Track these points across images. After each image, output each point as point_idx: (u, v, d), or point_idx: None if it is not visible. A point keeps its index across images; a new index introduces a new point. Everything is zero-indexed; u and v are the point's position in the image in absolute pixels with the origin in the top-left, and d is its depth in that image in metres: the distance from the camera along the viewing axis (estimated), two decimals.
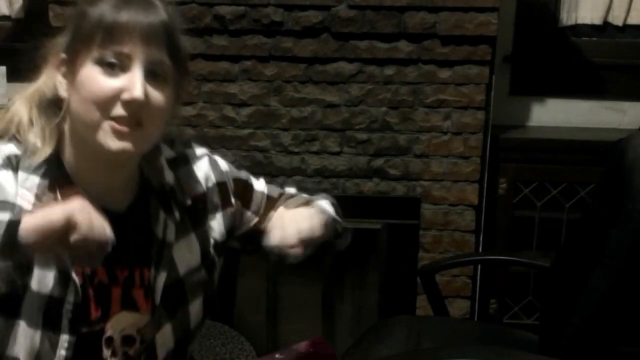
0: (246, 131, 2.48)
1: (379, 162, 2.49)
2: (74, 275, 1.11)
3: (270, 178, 2.50)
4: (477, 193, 2.51)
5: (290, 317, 2.71)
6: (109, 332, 1.16)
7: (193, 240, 1.26)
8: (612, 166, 1.63)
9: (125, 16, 1.07)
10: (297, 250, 1.15)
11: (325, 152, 2.50)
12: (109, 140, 1.08)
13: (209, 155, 1.32)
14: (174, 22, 1.14)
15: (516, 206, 2.64)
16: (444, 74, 2.42)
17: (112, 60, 1.07)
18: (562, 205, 2.62)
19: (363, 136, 2.48)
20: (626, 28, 2.72)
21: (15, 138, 1.14)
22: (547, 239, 2.64)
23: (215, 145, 2.38)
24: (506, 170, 2.61)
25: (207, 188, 1.29)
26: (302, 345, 1.42)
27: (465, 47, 2.38)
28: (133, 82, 1.07)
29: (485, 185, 2.54)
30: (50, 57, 1.15)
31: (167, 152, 1.26)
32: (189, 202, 1.24)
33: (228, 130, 2.48)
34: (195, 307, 1.26)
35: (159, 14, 1.11)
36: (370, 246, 2.58)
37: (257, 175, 1.43)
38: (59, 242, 0.97)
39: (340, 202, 2.17)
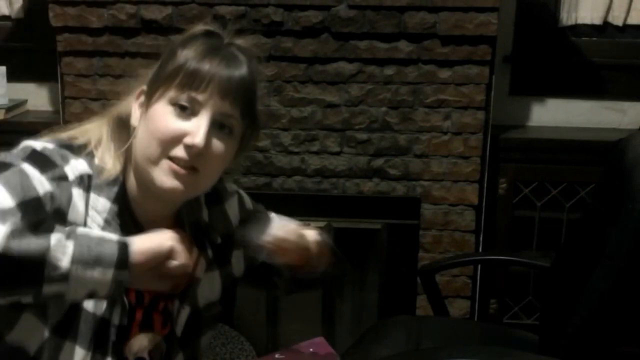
0: None
1: (379, 162, 2.49)
2: (125, 298, 1.13)
3: (270, 178, 2.52)
4: (477, 193, 2.51)
5: (290, 317, 2.71)
6: (127, 355, 1.17)
7: (217, 277, 1.29)
8: (612, 166, 1.63)
9: (207, 66, 1.11)
10: (266, 253, 1.18)
11: (325, 152, 2.50)
12: (164, 177, 1.10)
13: (238, 193, 1.36)
14: (254, 78, 1.16)
15: (516, 206, 2.64)
16: (444, 74, 2.42)
17: (185, 103, 1.10)
18: (562, 205, 2.62)
19: (363, 136, 2.48)
20: (626, 28, 2.72)
21: (89, 155, 1.14)
22: (547, 239, 2.64)
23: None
24: (506, 170, 2.61)
25: (235, 226, 1.32)
26: (302, 345, 1.42)
27: (465, 47, 2.38)
28: (198, 129, 1.09)
29: (485, 185, 2.54)
30: (136, 85, 1.18)
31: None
32: (219, 240, 1.27)
33: None
34: (207, 338, 1.30)
35: (241, 69, 1.14)
36: (370, 246, 2.58)
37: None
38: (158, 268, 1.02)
39: (341, 202, 2.19)
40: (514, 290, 2.70)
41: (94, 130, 1.17)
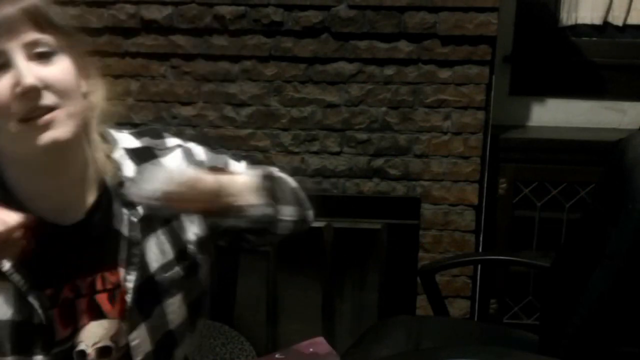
0: (246, 131, 2.48)
1: (379, 162, 2.49)
2: (30, 298, 1.09)
3: None
4: (477, 193, 2.51)
5: (290, 317, 2.71)
6: (80, 346, 1.14)
7: (162, 236, 1.21)
8: (612, 166, 1.63)
9: None
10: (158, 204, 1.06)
11: (325, 152, 2.50)
12: (37, 138, 1.04)
13: (181, 146, 1.26)
14: (39, 2, 1.08)
15: (516, 206, 2.64)
16: (444, 74, 2.42)
17: None
18: (562, 205, 2.62)
19: (363, 136, 2.48)
20: (626, 28, 2.72)
21: None
22: (547, 239, 2.64)
23: (215, 145, 2.37)
24: (506, 170, 2.61)
25: None
26: (302, 345, 1.42)
27: (465, 47, 2.38)
28: (19, 74, 1.03)
29: (485, 185, 2.54)
30: None
31: (130, 143, 1.22)
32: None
33: (228, 130, 2.48)
34: (173, 306, 1.22)
35: (17, 2, 1.06)
36: (370, 246, 2.58)
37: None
38: None
39: (341, 202, 2.19)
40: (514, 290, 2.70)
41: None
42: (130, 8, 2.38)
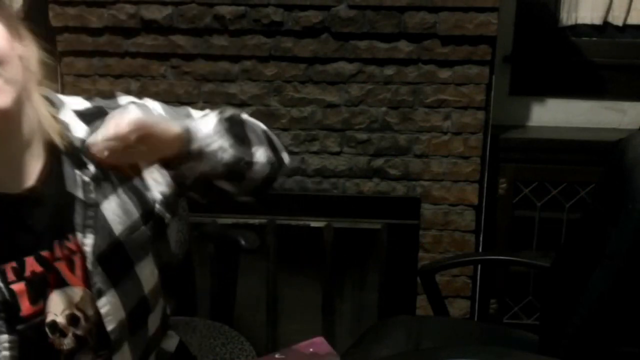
0: None
1: (379, 162, 2.50)
2: None
3: None
4: (477, 193, 2.51)
5: (290, 317, 2.71)
6: (49, 317, 1.11)
7: (124, 196, 1.17)
8: (612, 166, 1.63)
9: None
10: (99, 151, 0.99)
11: (325, 152, 2.50)
12: None
13: (134, 103, 1.18)
14: None
15: (516, 206, 2.64)
16: (444, 74, 2.42)
17: None
18: (562, 205, 2.62)
19: (363, 136, 2.48)
20: (626, 28, 2.72)
21: None
22: (547, 239, 2.64)
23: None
24: (506, 170, 2.62)
25: None
26: (302, 345, 1.42)
27: (465, 47, 2.38)
28: None
29: (485, 185, 2.54)
30: None
31: (79, 105, 1.19)
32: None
33: None
34: (145, 270, 1.19)
35: None
36: (370, 246, 2.58)
37: None
38: None
39: (341, 202, 2.19)
40: (514, 290, 2.70)
41: None
42: (130, 8, 2.38)
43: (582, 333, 1.55)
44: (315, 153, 2.50)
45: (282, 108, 2.47)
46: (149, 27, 2.40)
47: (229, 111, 1.21)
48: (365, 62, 2.42)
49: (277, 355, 1.39)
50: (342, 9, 2.36)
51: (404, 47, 2.40)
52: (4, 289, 1.07)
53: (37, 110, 1.11)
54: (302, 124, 2.47)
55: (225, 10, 2.37)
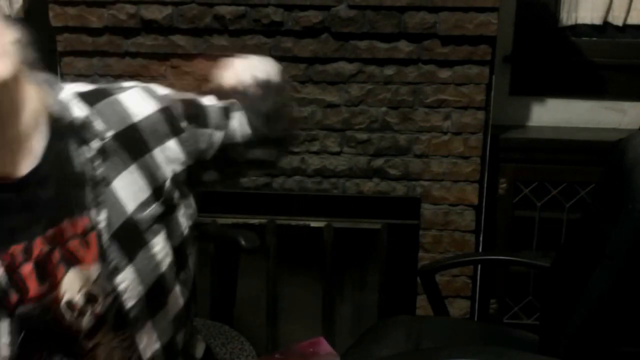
0: None
1: (379, 162, 2.50)
2: None
3: (270, 178, 2.52)
4: (477, 193, 2.51)
5: (290, 317, 2.71)
6: (66, 297, 1.09)
7: (135, 172, 1.16)
8: (612, 166, 1.63)
9: None
10: (255, 90, 1.12)
11: (325, 152, 2.50)
12: None
13: (139, 86, 1.22)
14: None
15: (516, 206, 2.64)
16: (444, 74, 2.42)
17: None
18: (562, 205, 2.62)
19: (363, 136, 2.48)
20: (626, 28, 2.72)
21: None
22: (547, 239, 2.64)
23: None
24: (506, 170, 2.62)
25: (144, 117, 1.18)
26: (302, 345, 1.42)
27: (465, 47, 2.38)
28: None
29: (485, 185, 2.54)
30: None
31: (81, 88, 1.18)
32: (110, 132, 1.14)
33: None
34: (159, 246, 1.18)
35: None
36: (370, 246, 2.58)
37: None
38: None
39: (341, 202, 2.18)
40: (514, 290, 2.70)
41: None
42: (130, 8, 2.38)
43: (582, 333, 1.55)
44: (315, 153, 2.50)
45: None
46: (149, 27, 2.40)
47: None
48: (365, 62, 2.42)
49: (277, 355, 1.39)
50: (342, 9, 2.36)
51: (404, 47, 2.40)
52: (5, 275, 1.06)
53: (37, 90, 1.10)
54: (302, 124, 2.47)
55: (225, 10, 2.37)
